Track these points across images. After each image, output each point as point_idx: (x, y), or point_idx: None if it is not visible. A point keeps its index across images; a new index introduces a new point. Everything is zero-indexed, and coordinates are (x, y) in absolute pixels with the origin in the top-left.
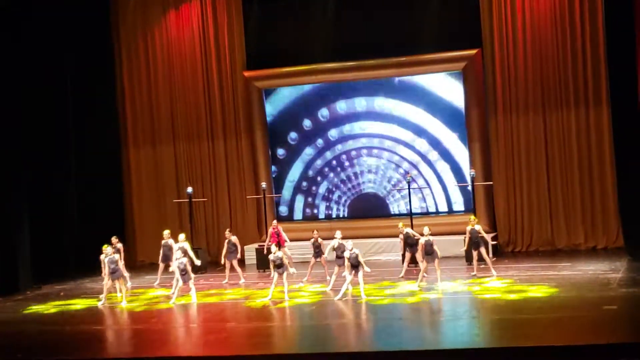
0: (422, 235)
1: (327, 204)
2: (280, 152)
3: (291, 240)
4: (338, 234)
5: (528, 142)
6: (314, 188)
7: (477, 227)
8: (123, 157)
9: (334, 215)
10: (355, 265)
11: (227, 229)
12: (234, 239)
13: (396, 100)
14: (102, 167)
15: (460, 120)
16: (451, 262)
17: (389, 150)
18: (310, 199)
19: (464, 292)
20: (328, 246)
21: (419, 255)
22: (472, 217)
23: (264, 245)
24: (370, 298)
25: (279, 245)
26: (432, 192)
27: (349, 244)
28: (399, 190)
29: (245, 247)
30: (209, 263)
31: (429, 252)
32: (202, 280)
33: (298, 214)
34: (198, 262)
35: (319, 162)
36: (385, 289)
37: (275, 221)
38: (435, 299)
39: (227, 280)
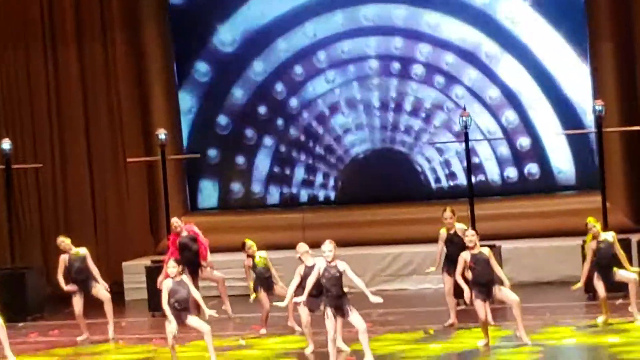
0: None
1: (308, 177)
2: (202, 68)
3: (224, 250)
4: (327, 247)
5: None
6: (270, 141)
7: (608, 237)
8: None
9: (320, 197)
10: (337, 299)
11: (61, 237)
12: (83, 252)
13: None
14: None
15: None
16: (554, 294)
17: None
18: (279, 166)
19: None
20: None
21: (460, 280)
22: (591, 219)
23: (162, 262)
24: None
25: (191, 261)
26: (512, 149)
27: (327, 245)
28: (443, 147)
29: (123, 264)
30: (49, 299)
31: (485, 277)
32: (33, 333)
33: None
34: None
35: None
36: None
37: (175, 220)
38: None
39: (86, 335)
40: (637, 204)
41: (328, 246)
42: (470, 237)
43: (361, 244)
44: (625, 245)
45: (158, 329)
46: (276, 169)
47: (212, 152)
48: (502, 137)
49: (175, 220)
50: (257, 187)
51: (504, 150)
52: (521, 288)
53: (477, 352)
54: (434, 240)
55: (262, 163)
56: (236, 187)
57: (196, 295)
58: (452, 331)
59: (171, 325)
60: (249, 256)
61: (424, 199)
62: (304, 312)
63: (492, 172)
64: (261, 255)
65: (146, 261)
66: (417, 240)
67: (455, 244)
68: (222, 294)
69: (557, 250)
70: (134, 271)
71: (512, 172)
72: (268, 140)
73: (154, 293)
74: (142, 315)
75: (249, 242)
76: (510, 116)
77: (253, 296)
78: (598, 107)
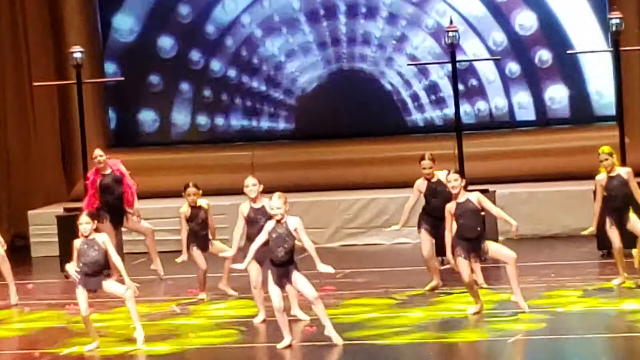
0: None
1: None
2: None
3: (154, 195)
4: (275, 203)
5: None
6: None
7: (622, 172)
8: None
9: (279, 127)
10: (282, 264)
11: None
12: None
13: None
14: None
15: None
16: (559, 250)
17: None
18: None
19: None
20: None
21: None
22: (606, 149)
23: (77, 212)
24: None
25: (114, 208)
26: (501, 75)
27: (275, 201)
28: (423, 67)
29: (29, 213)
30: None
31: (472, 231)
32: None
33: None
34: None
35: None
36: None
37: (98, 153)
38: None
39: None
40: None
41: (277, 202)
42: (453, 182)
43: (323, 189)
44: None
45: (72, 293)
46: (224, 98)
47: (154, 79)
48: (498, 57)
49: (98, 153)
50: (202, 119)
51: (491, 75)
52: (519, 243)
53: (464, 321)
54: (412, 183)
55: (208, 91)
56: (173, 118)
57: (115, 260)
58: (435, 295)
59: (79, 294)
60: (189, 205)
61: (400, 133)
62: (253, 269)
63: (481, 101)
64: (202, 205)
65: (57, 209)
66: (392, 183)
67: (439, 195)
68: (151, 249)
69: (563, 197)
70: (42, 221)
71: (501, 102)
72: (216, 64)
73: (67, 248)
74: (53, 276)
75: (192, 188)
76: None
77: (181, 258)
78: (614, 21)
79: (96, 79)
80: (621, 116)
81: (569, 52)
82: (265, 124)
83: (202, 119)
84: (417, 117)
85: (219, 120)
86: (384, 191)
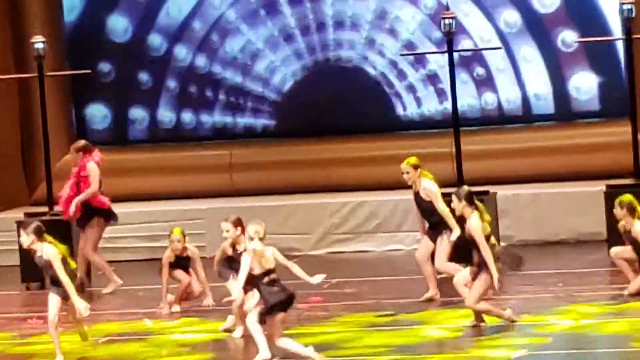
0: None
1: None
2: None
3: (121, 199)
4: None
5: None
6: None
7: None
8: None
9: (259, 124)
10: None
11: None
12: None
13: None
14: None
15: None
16: (568, 257)
17: None
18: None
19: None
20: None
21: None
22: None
23: (40, 217)
24: None
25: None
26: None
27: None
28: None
29: None
30: None
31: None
32: None
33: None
34: None
35: None
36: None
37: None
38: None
39: None
40: None
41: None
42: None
43: (308, 191)
44: None
45: (34, 306)
46: (192, 90)
47: (106, 67)
48: (499, 47)
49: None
50: (166, 115)
51: (501, 63)
52: (523, 249)
53: (454, 343)
54: (406, 184)
55: (174, 82)
56: (139, 113)
57: (62, 277)
58: (430, 307)
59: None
60: (173, 251)
61: (393, 129)
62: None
63: (489, 92)
64: (189, 255)
65: (18, 214)
66: (383, 184)
67: (421, 206)
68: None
69: (571, 198)
70: (1, 227)
71: (511, 94)
72: (181, 51)
73: (29, 257)
74: (13, 287)
75: (176, 234)
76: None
77: (163, 309)
78: (626, 7)
79: (60, 72)
80: (634, 111)
81: (576, 41)
82: (243, 120)
83: (168, 115)
84: (412, 111)
85: (189, 117)
86: (374, 193)
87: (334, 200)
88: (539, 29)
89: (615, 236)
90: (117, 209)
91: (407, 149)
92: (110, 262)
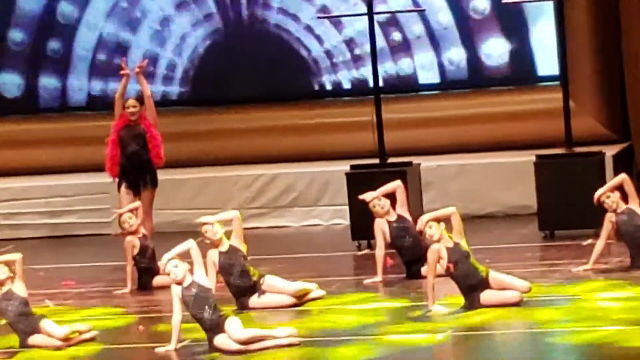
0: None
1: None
2: None
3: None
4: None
5: None
6: None
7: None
8: None
9: (170, 91)
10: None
11: None
12: None
13: None
14: None
15: None
16: (496, 231)
17: None
18: None
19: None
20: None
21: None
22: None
23: None
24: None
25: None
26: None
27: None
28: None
29: None
30: None
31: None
32: None
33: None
34: None
35: None
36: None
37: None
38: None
39: None
40: (610, 102)
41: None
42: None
43: (220, 163)
44: (599, 162)
45: None
46: (102, 58)
47: (16, 36)
48: (422, 8)
49: (131, 103)
50: (76, 84)
51: (417, 28)
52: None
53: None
54: (325, 156)
55: (84, 50)
56: (45, 81)
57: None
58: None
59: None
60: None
61: (310, 97)
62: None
63: (406, 59)
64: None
65: None
66: (300, 156)
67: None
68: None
69: (499, 170)
70: None
71: (427, 59)
72: (91, 17)
73: None
74: None
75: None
76: None
77: (122, 291)
78: None
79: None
80: (565, 76)
81: (505, 1)
82: (152, 88)
83: (78, 84)
84: (330, 78)
85: (97, 84)
86: (291, 165)
87: (247, 172)
88: None
89: (546, 210)
90: (17, 182)
91: (325, 118)
92: (9, 240)
